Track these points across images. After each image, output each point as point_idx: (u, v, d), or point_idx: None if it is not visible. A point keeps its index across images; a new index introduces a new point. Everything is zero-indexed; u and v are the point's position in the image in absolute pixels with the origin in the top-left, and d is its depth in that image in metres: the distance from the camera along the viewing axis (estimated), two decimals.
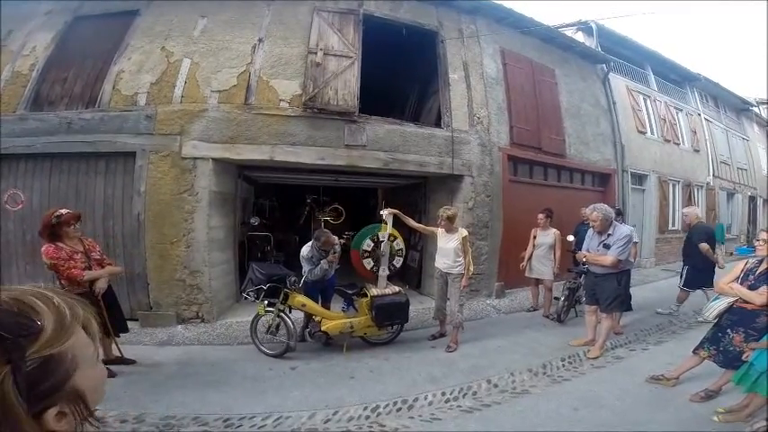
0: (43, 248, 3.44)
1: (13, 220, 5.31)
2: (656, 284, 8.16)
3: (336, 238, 4.67)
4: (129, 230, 5.24)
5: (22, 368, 0.49)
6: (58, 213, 3.51)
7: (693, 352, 3.40)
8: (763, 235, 3.11)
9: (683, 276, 5.82)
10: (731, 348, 3.08)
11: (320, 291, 4.71)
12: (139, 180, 5.19)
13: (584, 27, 9.99)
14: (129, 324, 4.27)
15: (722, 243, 13.02)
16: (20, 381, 0.48)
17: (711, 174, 12.79)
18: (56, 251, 3.43)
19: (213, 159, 5.31)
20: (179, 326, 5.10)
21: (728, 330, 3.12)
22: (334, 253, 4.53)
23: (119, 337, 3.90)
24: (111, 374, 3.39)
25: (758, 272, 3.09)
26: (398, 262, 5.00)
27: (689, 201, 11.69)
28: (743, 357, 2.85)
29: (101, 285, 3.63)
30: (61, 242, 3.50)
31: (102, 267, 3.70)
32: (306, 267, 4.50)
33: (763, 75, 34.63)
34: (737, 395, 3.02)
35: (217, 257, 5.49)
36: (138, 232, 5.17)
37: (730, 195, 14.29)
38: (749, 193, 15.31)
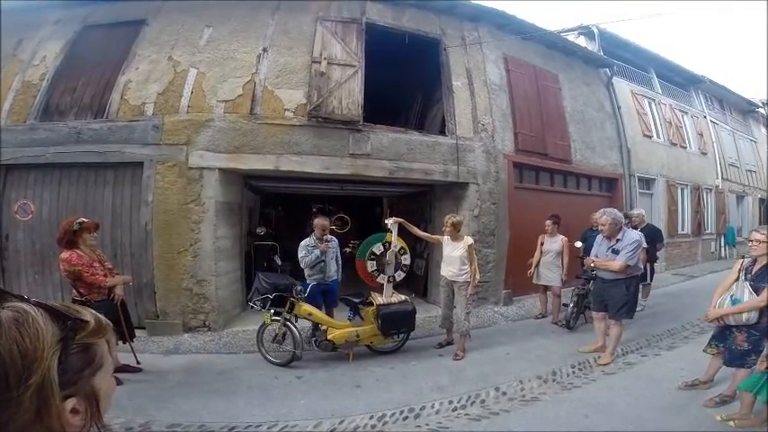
0: (65, 255, 3.43)
1: (23, 230, 5.38)
2: (666, 289, 8.04)
3: (328, 221, 4.89)
4: (136, 240, 5.28)
5: (69, 349, 0.54)
6: (79, 220, 3.54)
7: (703, 350, 3.44)
8: (756, 235, 3.11)
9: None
10: (734, 347, 3.11)
11: (322, 294, 4.68)
12: (147, 190, 5.24)
13: (586, 31, 9.99)
14: (137, 332, 4.28)
15: (733, 246, 12.85)
16: (63, 360, 0.53)
17: (720, 176, 12.65)
18: (79, 258, 3.45)
19: (219, 169, 5.35)
20: (186, 334, 5.10)
21: (733, 329, 3.14)
22: (327, 241, 4.68)
23: (133, 342, 3.94)
24: (118, 382, 3.37)
25: (755, 271, 3.09)
26: (406, 259, 4.96)
27: (698, 204, 11.55)
28: (757, 368, 2.81)
29: (119, 292, 3.68)
30: (78, 249, 3.51)
31: (113, 276, 3.73)
32: (300, 254, 4.58)
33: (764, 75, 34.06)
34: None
35: (223, 267, 5.51)
36: (146, 242, 5.21)
37: (740, 198, 14.11)
38: (759, 196, 15.09)
